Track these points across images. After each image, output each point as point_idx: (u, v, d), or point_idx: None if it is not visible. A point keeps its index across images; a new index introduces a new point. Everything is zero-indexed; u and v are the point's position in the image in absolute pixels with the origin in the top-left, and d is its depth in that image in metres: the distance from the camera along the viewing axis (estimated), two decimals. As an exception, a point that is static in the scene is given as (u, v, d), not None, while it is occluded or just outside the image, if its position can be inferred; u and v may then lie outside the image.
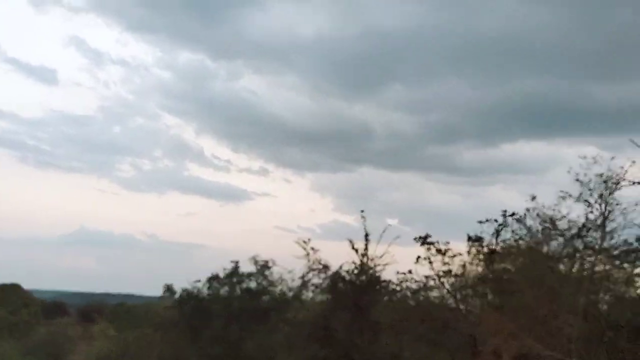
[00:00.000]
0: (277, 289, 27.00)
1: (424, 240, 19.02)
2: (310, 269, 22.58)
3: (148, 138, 70.07)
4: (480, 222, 19.63)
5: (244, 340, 24.15)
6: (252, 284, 26.54)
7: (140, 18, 70.22)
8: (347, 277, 22.87)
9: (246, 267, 26.66)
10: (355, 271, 22.47)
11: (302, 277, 23.00)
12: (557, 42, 49.35)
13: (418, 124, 61.37)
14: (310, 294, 26.70)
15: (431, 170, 57.40)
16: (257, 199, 62.67)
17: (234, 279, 26.23)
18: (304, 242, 22.21)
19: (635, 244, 18.94)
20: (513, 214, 18.78)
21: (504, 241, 19.60)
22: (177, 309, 25.97)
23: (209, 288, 26.54)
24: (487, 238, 19.77)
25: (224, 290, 26.17)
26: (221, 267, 26.43)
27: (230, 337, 24.10)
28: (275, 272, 26.51)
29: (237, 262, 26.23)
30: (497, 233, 19.55)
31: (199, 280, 26.85)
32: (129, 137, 70.95)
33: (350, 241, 22.66)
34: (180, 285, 26.31)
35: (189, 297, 25.47)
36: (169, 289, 25.61)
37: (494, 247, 18.94)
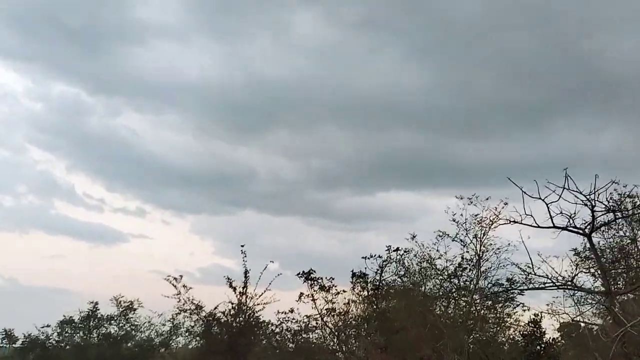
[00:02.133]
0: (143, 335, 24.08)
1: (307, 275, 17.78)
2: (181, 310, 20.18)
3: (12, 172, 62.70)
4: (365, 257, 18.94)
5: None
6: (113, 329, 23.37)
7: (12, 44, 64.05)
8: (223, 319, 20.81)
9: (108, 310, 23.53)
10: (232, 312, 20.48)
11: (172, 319, 20.43)
12: (426, 103, 53.63)
13: (299, 170, 61.57)
14: (182, 340, 24.25)
15: (311, 215, 57.63)
16: (133, 240, 57.90)
17: (91, 323, 22.93)
18: (175, 279, 19.89)
19: (506, 284, 19.28)
20: (397, 249, 18.31)
21: (385, 280, 19.11)
22: (19, 358, 21.97)
23: (59, 334, 22.90)
24: (371, 275, 19.18)
25: (78, 336, 22.69)
26: (77, 310, 23.03)
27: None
28: (142, 315, 23.69)
29: (95, 303, 23.03)
30: (381, 269, 18.96)
31: (48, 325, 23.18)
32: None
33: (228, 278, 20.74)
34: (27, 330, 22.41)
35: (33, 345, 21.68)
36: (7, 335, 21.61)
37: (378, 283, 18.17)
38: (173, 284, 19.70)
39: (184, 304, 19.98)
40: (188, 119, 66.37)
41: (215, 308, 20.71)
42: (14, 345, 22.00)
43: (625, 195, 14.71)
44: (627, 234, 18.97)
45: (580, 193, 13.92)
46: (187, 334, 21.65)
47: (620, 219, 16.59)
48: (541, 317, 18.45)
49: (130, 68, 62.69)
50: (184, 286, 19.92)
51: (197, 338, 21.83)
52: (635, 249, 18.85)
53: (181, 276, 20.00)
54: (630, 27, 50.49)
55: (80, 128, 65.48)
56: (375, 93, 56.33)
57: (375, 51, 59.95)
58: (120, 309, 23.03)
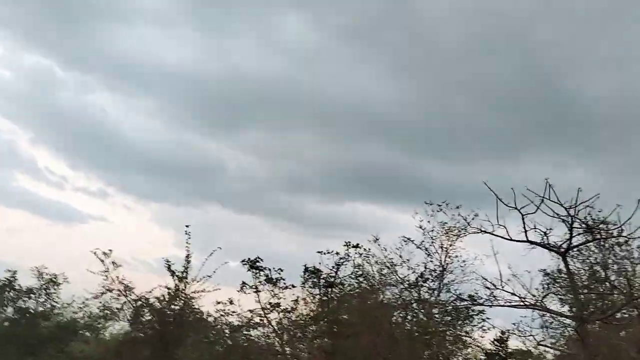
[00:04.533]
0: (66, 314, 21.84)
1: (252, 264, 16.05)
2: (107, 290, 18.08)
3: None
4: (320, 252, 17.37)
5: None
6: (32, 304, 21.05)
7: None
8: (156, 305, 18.85)
9: (28, 282, 21.19)
10: (167, 297, 18.53)
11: (95, 297, 18.25)
12: (402, 119, 53.95)
13: (269, 170, 60.40)
14: (110, 324, 22.15)
15: (276, 216, 56.48)
16: (91, 222, 55.17)
17: (8, 294, 20.55)
18: (104, 253, 17.79)
19: (467, 302, 18.18)
20: (357, 245, 16.82)
21: (341, 279, 17.68)
22: None
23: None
24: (326, 272, 17.65)
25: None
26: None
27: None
28: (70, 293, 21.46)
29: (14, 272, 20.67)
30: (337, 267, 17.43)
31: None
32: None
33: (167, 261, 18.76)
34: None
35: None
36: None
37: (332, 280, 16.60)
38: (100, 259, 17.59)
39: (111, 283, 17.91)
40: (162, 106, 64.30)
41: (150, 292, 18.77)
42: None
43: (599, 222, 13.70)
44: (598, 260, 18.19)
45: (561, 205, 12.81)
46: (112, 317, 19.55)
47: (597, 240, 15.60)
48: (508, 335, 17.32)
49: (108, 47, 60.55)
50: (113, 263, 17.86)
51: (123, 323, 19.85)
52: (605, 276, 18.07)
53: (110, 250, 17.94)
54: (614, 67, 51.30)
55: (49, 102, 62.58)
56: (353, 103, 56.11)
57: (358, 61, 59.80)
58: (42, 282, 20.73)
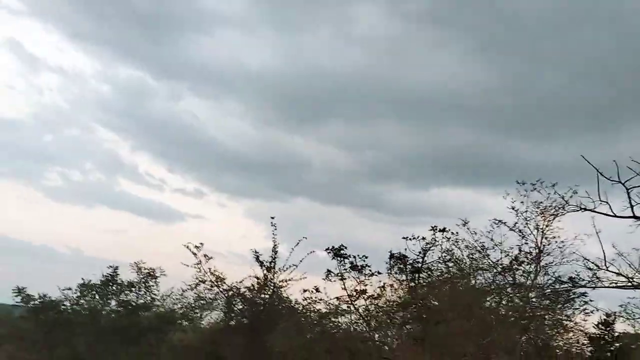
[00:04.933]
0: (164, 305, 23.00)
1: (337, 252, 15.96)
2: (200, 281, 18.79)
3: (80, 149, 66.63)
4: (405, 238, 16.90)
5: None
6: (133, 296, 22.32)
7: (83, 28, 67.27)
8: (247, 294, 19.36)
9: (129, 276, 22.46)
10: (256, 287, 18.96)
11: (190, 289, 19.03)
12: (488, 100, 51.93)
13: (353, 161, 61.58)
14: (205, 314, 23.07)
15: (362, 206, 57.22)
16: (190, 220, 59.50)
17: (110, 288, 21.94)
18: (196, 246, 18.47)
19: (567, 284, 17.00)
20: (444, 229, 16.19)
21: (428, 265, 17.12)
22: (32, 319, 21.19)
23: (78, 297, 22.02)
24: (413, 258, 17.19)
25: (95, 301, 21.75)
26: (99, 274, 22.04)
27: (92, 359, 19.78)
28: (169, 285, 22.57)
29: (115, 268, 22.00)
30: (424, 253, 16.91)
31: (70, 288, 22.32)
32: (61, 146, 67.24)
33: (255, 252, 19.16)
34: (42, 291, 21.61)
35: (47, 307, 20.85)
36: (21, 293, 20.81)
37: (419, 266, 16.14)
38: (193, 252, 18.29)
39: (204, 275, 18.59)
40: (247, 107, 68.10)
41: (240, 282, 19.31)
42: (27, 305, 21.19)
43: None
44: None
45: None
46: (207, 307, 20.34)
47: None
48: (614, 318, 16.02)
49: (194, 55, 64.98)
50: (204, 255, 18.52)
51: (218, 313, 20.57)
52: None
53: (202, 244, 18.60)
54: None
55: (144, 110, 68.45)
56: (436, 88, 55.07)
57: (438, 46, 58.71)
58: (141, 276, 21.92)
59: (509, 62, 56.29)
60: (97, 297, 21.76)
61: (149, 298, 22.44)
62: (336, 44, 62.50)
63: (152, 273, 22.05)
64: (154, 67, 71.50)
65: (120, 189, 66.11)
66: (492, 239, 17.64)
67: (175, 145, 67.76)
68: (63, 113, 69.19)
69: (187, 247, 18.42)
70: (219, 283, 18.84)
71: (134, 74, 71.11)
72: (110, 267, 22.08)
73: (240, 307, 20.08)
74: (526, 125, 51.39)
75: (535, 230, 18.14)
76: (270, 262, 19.06)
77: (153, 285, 22.31)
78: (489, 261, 17.79)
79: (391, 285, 16.52)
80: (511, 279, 17.67)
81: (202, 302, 20.37)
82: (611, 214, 13.45)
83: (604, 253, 13.25)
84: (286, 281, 18.68)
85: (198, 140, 65.20)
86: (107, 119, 72.05)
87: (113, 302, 22.15)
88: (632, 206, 13.09)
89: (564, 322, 16.81)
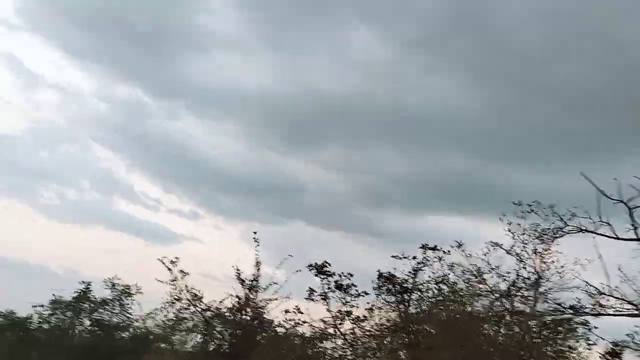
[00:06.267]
0: (144, 326, 21.80)
1: (319, 269, 14.95)
2: (176, 299, 17.67)
3: (77, 167, 66.60)
4: (395, 257, 15.95)
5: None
6: (107, 315, 21.17)
7: (82, 45, 67.83)
8: (227, 315, 18.25)
9: (102, 293, 21.35)
10: (237, 306, 17.85)
11: (164, 307, 17.88)
12: (482, 127, 52.80)
13: (350, 185, 61.77)
14: (183, 335, 21.88)
15: (358, 231, 57.02)
16: (185, 242, 58.72)
17: (83, 305, 20.80)
18: (171, 261, 17.41)
19: (568, 313, 16.01)
20: (435, 247, 15.23)
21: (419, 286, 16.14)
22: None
23: (50, 314, 20.89)
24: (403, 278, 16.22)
25: (65, 320, 20.59)
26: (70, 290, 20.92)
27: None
28: (145, 303, 21.41)
29: (88, 284, 20.87)
30: (415, 273, 15.93)
31: (42, 305, 21.18)
32: (57, 163, 67.29)
33: (237, 269, 18.13)
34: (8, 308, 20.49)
35: (13, 324, 19.70)
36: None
37: (409, 286, 15.14)
38: (168, 267, 17.22)
39: (179, 292, 17.48)
40: (244, 128, 68.40)
41: (221, 302, 18.23)
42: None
43: None
44: None
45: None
46: (183, 328, 19.20)
47: None
48: (622, 348, 14.99)
49: (191, 75, 65.36)
50: (181, 271, 17.43)
51: (196, 334, 19.41)
52: None
53: (178, 258, 17.56)
54: None
55: (141, 130, 68.33)
56: (429, 113, 55.71)
57: (431, 71, 59.24)
58: (115, 293, 20.80)
59: (501, 89, 57.04)
60: (68, 314, 20.61)
61: (124, 317, 21.32)
62: (333, 67, 63.06)
63: (127, 290, 20.95)
64: (152, 86, 71.70)
65: (115, 208, 65.64)
66: (488, 262, 16.79)
67: (171, 166, 67.64)
68: (59, 130, 69.06)
69: (162, 261, 17.37)
70: (196, 302, 17.72)
71: (131, 92, 71.25)
72: (83, 282, 21.03)
73: (220, 328, 18.97)
74: (519, 152, 51.63)
75: (534, 254, 17.30)
76: (253, 281, 18.06)
77: (128, 304, 21.22)
78: (486, 286, 16.89)
79: (379, 308, 15.52)
80: (509, 305, 16.76)
81: (178, 322, 19.22)
82: (613, 236, 12.62)
83: (608, 278, 12.37)
84: (269, 300, 17.67)
85: (194, 161, 65.09)
86: (103, 137, 71.82)
87: (87, 321, 21.04)
88: (635, 228, 12.26)
89: (565, 353, 15.76)
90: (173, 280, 17.48)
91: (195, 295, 17.63)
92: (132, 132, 69.81)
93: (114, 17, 66.53)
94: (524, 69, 55.82)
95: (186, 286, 17.64)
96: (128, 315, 21.24)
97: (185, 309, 18.26)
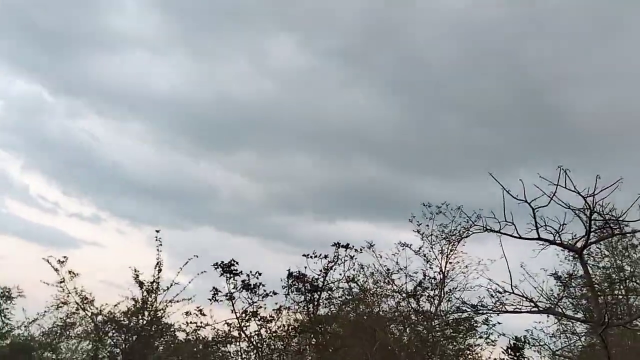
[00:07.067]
0: (24, 333, 19.68)
1: (226, 267, 14.18)
2: (63, 303, 16.07)
3: None
4: (306, 255, 15.56)
5: None
6: (-18, 322, 18.88)
7: None
8: (122, 320, 16.89)
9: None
10: (132, 310, 16.58)
11: (47, 311, 16.22)
12: (394, 138, 55.46)
13: (263, 192, 61.28)
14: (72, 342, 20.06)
15: (270, 237, 56.74)
16: (85, 247, 54.43)
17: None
18: (59, 261, 15.82)
19: (470, 311, 16.50)
20: (347, 246, 15.03)
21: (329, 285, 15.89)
22: None
23: None
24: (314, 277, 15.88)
25: None
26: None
27: None
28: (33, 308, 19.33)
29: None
30: (326, 272, 15.64)
31: None
32: None
33: (135, 270, 16.89)
34: None
35: None
36: None
37: (320, 285, 14.78)
38: (55, 268, 15.62)
39: (67, 295, 15.92)
40: (152, 130, 65.48)
41: (115, 305, 16.87)
42: None
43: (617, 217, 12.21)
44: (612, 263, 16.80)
45: (578, 193, 11.39)
46: (70, 334, 17.52)
47: (618, 235, 14.21)
48: (524, 342, 15.55)
49: (97, 73, 61.84)
50: (69, 272, 15.89)
51: (85, 341, 17.83)
52: (621, 278, 16.64)
53: (66, 257, 16.01)
54: (603, 82, 52.45)
55: (39, 128, 63.13)
56: (344, 123, 57.34)
57: (349, 82, 61.49)
58: (-8, 298, 18.60)
59: (415, 103, 59.60)
60: None
61: (1, 323, 19.11)
62: (249, 74, 62.52)
63: (7, 293, 18.80)
64: (52, 83, 66.80)
65: (6, 210, 59.98)
66: (397, 262, 16.92)
67: (71, 167, 63.03)
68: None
69: (48, 261, 15.75)
70: (86, 305, 16.24)
71: (29, 88, 65.83)
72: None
73: (113, 333, 17.54)
74: (430, 163, 54.02)
75: (440, 254, 17.68)
76: (152, 283, 16.90)
77: (7, 308, 19.04)
78: (394, 286, 17.01)
79: (288, 308, 15.04)
80: (415, 305, 16.99)
81: (64, 328, 17.51)
82: (516, 235, 13.00)
83: (510, 276, 12.72)
84: (169, 303, 16.57)
85: (97, 162, 61.08)
86: (-5, 135, 65.69)
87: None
88: (537, 227, 12.68)
89: (466, 351, 16.16)
90: (60, 282, 15.95)
91: (85, 298, 16.17)
92: (28, 130, 64.54)
93: (13, 11, 61.78)
94: (440, 84, 58.81)
95: (75, 288, 16.18)
96: (7, 321, 19.06)
97: (74, 313, 16.78)
